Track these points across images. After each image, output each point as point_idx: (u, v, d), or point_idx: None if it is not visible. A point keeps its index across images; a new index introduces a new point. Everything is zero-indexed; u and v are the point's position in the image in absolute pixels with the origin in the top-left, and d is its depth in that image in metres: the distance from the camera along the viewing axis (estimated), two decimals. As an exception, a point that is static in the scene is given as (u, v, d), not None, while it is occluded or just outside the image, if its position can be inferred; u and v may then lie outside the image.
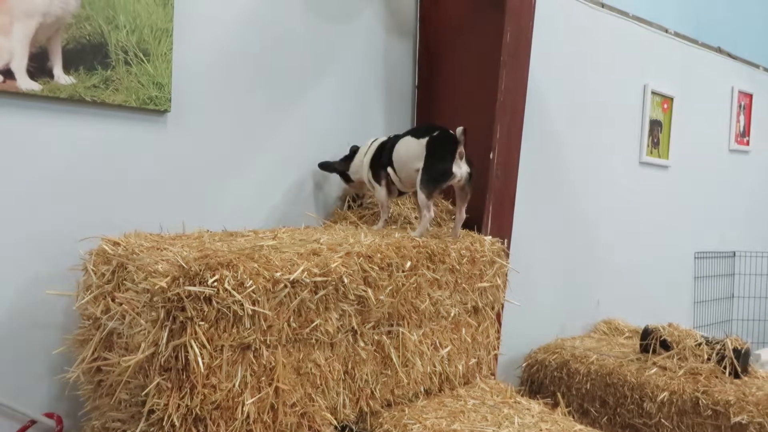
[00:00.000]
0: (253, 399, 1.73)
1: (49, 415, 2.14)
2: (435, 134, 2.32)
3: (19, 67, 2.00)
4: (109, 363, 1.80)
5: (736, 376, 2.89)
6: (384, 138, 2.60)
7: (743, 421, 2.60)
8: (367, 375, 2.06)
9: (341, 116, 2.90)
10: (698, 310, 5.22)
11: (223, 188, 2.55)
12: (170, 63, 2.31)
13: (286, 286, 1.77)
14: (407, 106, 3.13)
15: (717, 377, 2.89)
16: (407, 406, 2.20)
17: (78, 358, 1.92)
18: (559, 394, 2.53)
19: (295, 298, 1.80)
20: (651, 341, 3.17)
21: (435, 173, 2.26)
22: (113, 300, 1.83)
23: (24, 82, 2.01)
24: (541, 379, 3.40)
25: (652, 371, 3.01)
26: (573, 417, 2.24)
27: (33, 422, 2.12)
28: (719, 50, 5.03)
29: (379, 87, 3.01)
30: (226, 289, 1.63)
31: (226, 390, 1.68)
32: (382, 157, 2.50)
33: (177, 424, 1.61)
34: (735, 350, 2.91)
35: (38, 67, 2.04)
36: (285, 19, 2.68)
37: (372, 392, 2.09)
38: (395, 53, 3.06)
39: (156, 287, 1.63)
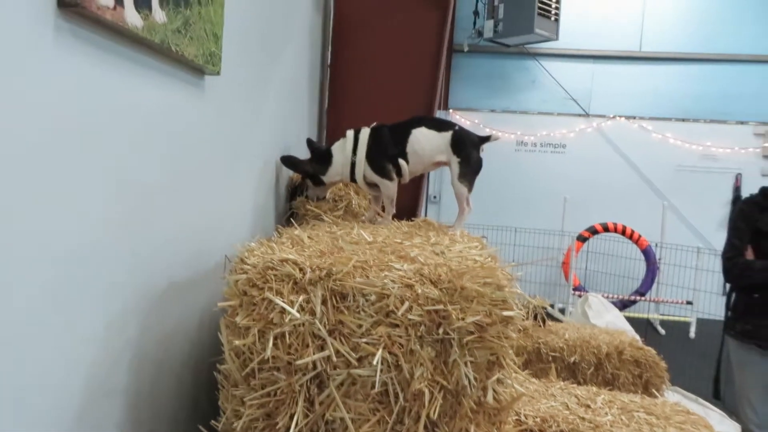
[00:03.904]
0: None
1: None
2: (457, 128, 2.33)
3: (129, -12, 1.22)
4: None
5: (544, 325, 3.72)
6: (365, 130, 2.38)
7: (576, 360, 3.42)
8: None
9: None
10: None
11: (236, 173, 1.97)
12: (223, 8, 1.68)
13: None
14: (316, 85, 2.86)
15: (537, 329, 3.64)
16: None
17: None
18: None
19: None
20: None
21: (475, 165, 2.30)
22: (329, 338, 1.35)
23: (130, 14, 1.23)
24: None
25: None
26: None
27: None
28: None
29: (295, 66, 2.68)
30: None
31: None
32: (388, 150, 2.32)
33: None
34: (543, 308, 3.74)
35: (139, -8, 1.27)
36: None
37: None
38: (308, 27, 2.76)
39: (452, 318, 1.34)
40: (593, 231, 8.50)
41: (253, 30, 2.07)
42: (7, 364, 1.01)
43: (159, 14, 1.34)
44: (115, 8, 1.17)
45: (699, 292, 7.42)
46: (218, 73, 1.68)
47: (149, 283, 1.48)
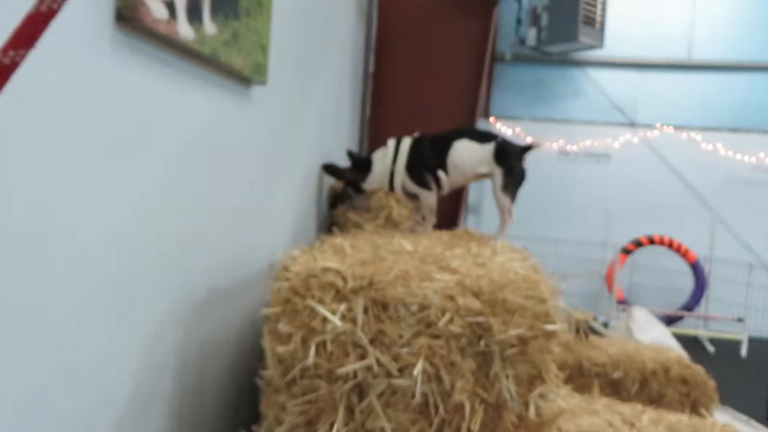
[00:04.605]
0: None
1: None
2: (500, 139, 2.32)
3: (182, 2, 1.25)
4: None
5: (586, 339, 3.65)
6: (406, 140, 2.39)
7: (620, 376, 3.34)
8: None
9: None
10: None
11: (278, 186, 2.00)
12: (270, 19, 1.71)
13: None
14: (358, 94, 2.89)
15: (579, 343, 3.58)
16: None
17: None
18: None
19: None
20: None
21: (518, 175, 2.28)
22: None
23: (183, 27, 1.26)
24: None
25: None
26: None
27: None
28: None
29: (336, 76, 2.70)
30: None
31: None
32: (428, 161, 2.33)
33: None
34: (585, 321, 3.67)
35: (191, 6, 1.30)
36: None
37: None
38: (349, 38, 2.79)
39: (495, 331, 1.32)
40: (638, 243, 8.31)
41: (298, 40, 2.10)
42: (55, 366, 1.05)
43: (209, 26, 1.37)
44: (168, 21, 1.21)
45: (751, 309, 7.17)
46: (264, 83, 1.71)
47: (193, 289, 1.51)
